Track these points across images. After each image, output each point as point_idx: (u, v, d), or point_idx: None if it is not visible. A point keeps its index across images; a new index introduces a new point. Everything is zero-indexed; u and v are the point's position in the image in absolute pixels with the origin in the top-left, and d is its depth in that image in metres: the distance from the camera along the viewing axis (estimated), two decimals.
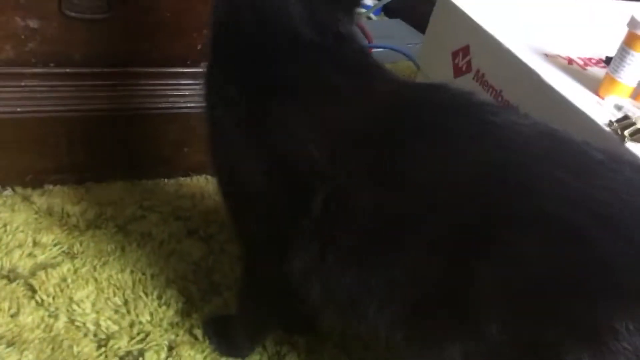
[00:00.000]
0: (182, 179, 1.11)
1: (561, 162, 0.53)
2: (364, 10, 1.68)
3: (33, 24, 0.90)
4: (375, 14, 1.83)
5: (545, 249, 0.50)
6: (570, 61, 0.92)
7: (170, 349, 0.81)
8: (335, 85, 0.62)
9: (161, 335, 0.82)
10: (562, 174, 0.51)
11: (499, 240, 0.51)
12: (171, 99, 1.04)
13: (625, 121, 0.74)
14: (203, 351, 0.81)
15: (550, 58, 0.91)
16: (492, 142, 0.55)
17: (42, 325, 0.80)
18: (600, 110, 0.79)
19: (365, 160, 0.58)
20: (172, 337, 0.82)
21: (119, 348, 0.79)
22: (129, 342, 0.80)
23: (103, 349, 0.79)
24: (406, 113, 0.59)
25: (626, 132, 0.73)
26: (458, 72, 1.00)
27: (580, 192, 0.50)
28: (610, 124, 0.75)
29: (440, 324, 0.55)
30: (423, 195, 0.55)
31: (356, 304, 0.60)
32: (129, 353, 0.79)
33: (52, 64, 0.94)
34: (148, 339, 0.81)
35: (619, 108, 0.78)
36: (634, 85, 0.80)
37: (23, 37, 0.90)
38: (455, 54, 1.01)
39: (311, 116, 0.61)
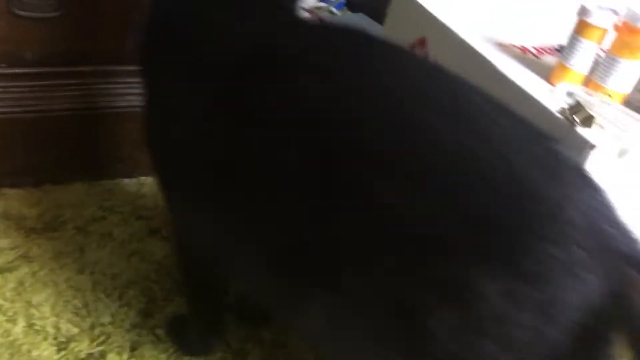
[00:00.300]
0: (143, 178, 1.10)
1: (438, 103, 0.51)
2: (325, 5, 1.68)
3: None
4: (338, 7, 1.83)
5: (404, 199, 0.47)
6: (525, 50, 0.93)
7: (133, 349, 0.80)
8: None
9: (123, 336, 0.81)
10: (434, 116, 0.49)
11: (357, 186, 0.48)
12: (128, 97, 1.02)
13: (575, 107, 0.75)
14: (166, 351, 0.80)
15: (504, 48, 0.92)
16: (369, 79, 0.54)
17: (0, 330, 0.79)
18: (552, 97, 0.80)
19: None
20: (135, 337, 0.82)
21: (80, 350, 0.78)
22: (90, 344, 0.80)
23: (63, 352, 0.78)
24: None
25: (577, 118, 0.74)
26: None
27: (449, 138, 0.48)
28: (562, 110, 0.76)
29: (303, 275, 0.52)
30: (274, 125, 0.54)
31: (230, 254, 0.59)
32: (90, 355, 0.78)
33: (3, 65, 0.92)
34: (110, 341, 0.80)
35: (570, 95, 0.79)
36: (585, 72, 0.82)
37: None
38: (412, 46, 1.01)
39: None
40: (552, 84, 0.84)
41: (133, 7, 0.96)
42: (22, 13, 0.88)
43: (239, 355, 0.82)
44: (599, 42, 0.80)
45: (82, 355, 0.78)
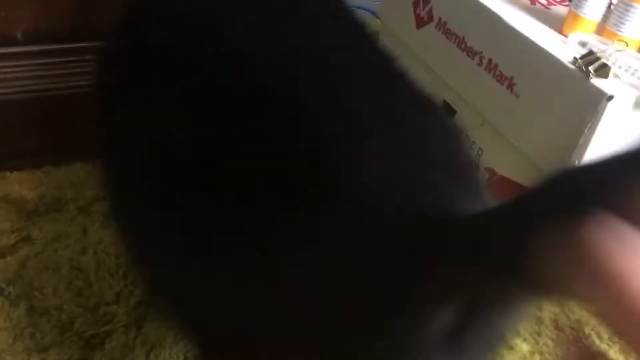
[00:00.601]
0: None
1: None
2: None
3: None
4: None
5: None
6: (534, 1, 0.89)
7: (139, 328, 0.78)
8: None
9: (129, 315, 0.80)
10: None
11: None
12: None
13: (589, 57, 0.71)
14: (173, 328, 0.78)
15: (512, 0, 0.87)
16: None
17: (3, 315, 0.77)
18: (565, 48, 0.76)
19: None
20: (140, 316, 0.80)
21: (84, 331, 0.77)
22: (94, 324, 0.78)
23: (68, 334, 0.76)
24: None
25: (591, 68, 0.70)
26: (420, 22, 0.96)
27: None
28: (575, 61, 0.72)
29: None
30: None
31: None
32: (95, 335, 0.77)
33: None
34: (115, 320, 0.79)
35: (583, 44, 0.75)
36: (598, 19, 0.77)
37: None
38: (416, 4, 0.97)
39: None
40: (564, 34, 0.80)
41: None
42: None
43: None
44: None
45: (87, 335, 0.76)
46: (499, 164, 0.86)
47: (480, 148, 0.89)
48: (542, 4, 0.88)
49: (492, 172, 0.87)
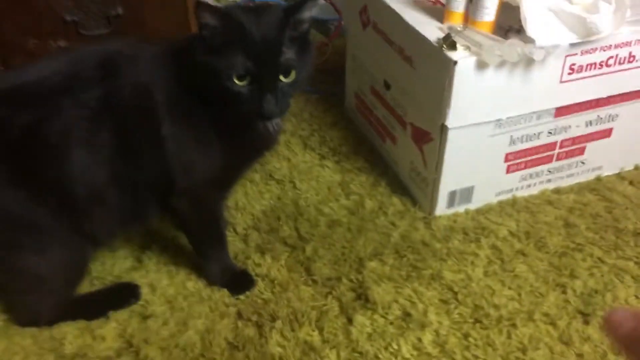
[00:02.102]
0: None
1: None
2: None
3: (62, 44, 1.32)
4: None
5: None
6: (436, 2, 1.24)
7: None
8: None
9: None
10: None
11: None
12: None
13: (445, 37, 1.07)
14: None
15: (418, 3, 1.23)
16: None
17: None
18: (437, 33, 1.11)
19: None
20: None
21: None
22: None
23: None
24: None
25: (445, 45, 1.05)
26: (364, 25, 1.34)
27: None
28: (437, 40, 1.07)
29: None
30: None
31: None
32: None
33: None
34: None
35: (450, 29, 1.10)
36: (462, 11, 1.12)
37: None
38: (361, 12, 1.35)
39: None
40: (442, 24, 1.16)
41: (174, 28, 1.36)
42: (86, 32, 1.31)
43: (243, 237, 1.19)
44: None
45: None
46: (414, 118, 1.22)
47: (405, 109, 1.25)
48: (442, 3, 1.24)
49: (412, 126, 1.23)
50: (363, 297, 1.07)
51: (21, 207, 0.86)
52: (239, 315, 1.04)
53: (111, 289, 1.07)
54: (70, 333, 0.99)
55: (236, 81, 0.85)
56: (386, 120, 1.35)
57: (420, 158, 1.23)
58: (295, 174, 1.36)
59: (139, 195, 0.96)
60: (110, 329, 1.00)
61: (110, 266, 1.12)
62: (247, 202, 1.28)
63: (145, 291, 1.07)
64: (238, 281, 1.08)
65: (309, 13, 0.88)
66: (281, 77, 0.87)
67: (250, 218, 1.24)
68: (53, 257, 0.93)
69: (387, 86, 1.31)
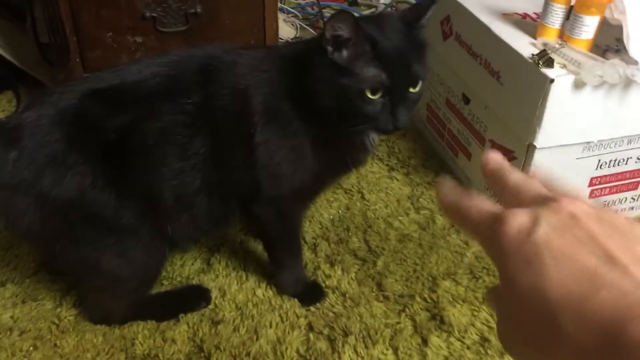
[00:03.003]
0: None
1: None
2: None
3: (139, 39, 1.32)
4: None
5: None
6: (525, 16, 1.20)
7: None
8: None
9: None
10: None
11: None
12: None
13: (541, 54, 1.02)
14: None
15: (507, 16, 1.19)
16: None
17: None
18: (530, 48, 1.07)
19: None
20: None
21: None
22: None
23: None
24: None
25: (540, 61, 1.01)
26: (445, 36, 1.31)
27: None
28: (532, 57, 1.03)
29: None
30: None
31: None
32: None
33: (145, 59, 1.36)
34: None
35: (545, 45, 1.06)
36: (558, 27, 1.07)
37: (133, 49, 1.32)
38: (442, 23, 1.32)
39: None
40: (535, 39, 1.11)
41: (250, 28, 1.35)
42: (163, 29, 1.31)
43: (311, 247, 1.17)
44: (567, 4, 1.06)
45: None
46: (495, 135, 1.18)
47: (485, 125, 1.21)
48: (532, 18, 1.19)
49: (492, 143, 1.19)
50: (438, 318, 1.03)
51: (109, 208, 0.85)
52: (310, 327, 1.01)
53: (182, 291, 1.05)
54: (140, 333, 0.98)
55: (369, 96, 0.81)
56: (461, 135, 1.31)
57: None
58: (364, 184, 1.33)
59: (225, 203, 0.94)
60: (181, 331, 0.98)
61: (180, 267, 1.10)
62: (316, 210, 1.25)
63: (214, 295, 1.05)
64: (309, 292, 1.05)
65: (428, 18, 0.86)
66: (410, 89, 0.84)
67: (319, 227, 1.21)
68: (133, 258, 0.91)
69: (466, 100, 1.27)
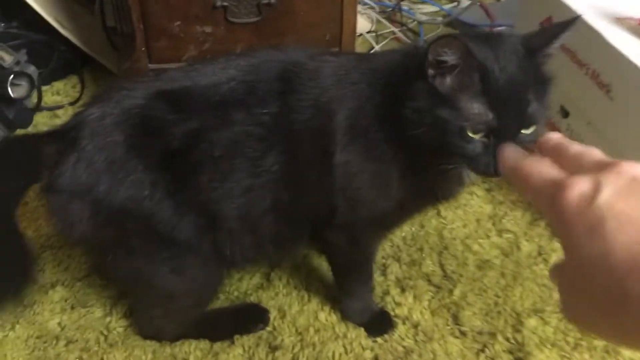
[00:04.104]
0: None
1: None
2: None
3: (207, 29, 1.23)
4: None
5: None
6: None
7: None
8: None
9: None
10: None
11: None
12: None
13: None
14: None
15: (620, 21, 1.04)
16: None
17: None
18: None
19: None
20: None
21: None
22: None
23: None
24: None
25: None
26: None
27: None
28: None
29: None
30: None
31: None
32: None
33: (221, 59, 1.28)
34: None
35: None
36: None
37: (201, 39, 1.24)
38: (542, 24, 1.17)
39: None
40: None
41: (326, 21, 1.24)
42: (234, 20, 1.22)
43: (380, 268, 1.06)
44: None
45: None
46: None
47: (586, 143, 1.06)
48: None
49: None
50: None
51: (166, 220, 0.77)
52: None
53: (239, 310, 0.97)
54: (192, 354, 0.90)
55: (470, 134, 0.68)
56: None
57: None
58: None
59: (295, 226, 0.84)
60: (236, 355, 0.90)
61: (237, 281, 1.02)
62: None
63: (273, 315, 0.96)
64: (377, 321, 0.95)
65: (557, 46, 0.71)
66: (522, 130, 0.69)
67: (390, 245, 1.10)
68: (188, 276, 0.83)
69: (565, 113, 1.13)
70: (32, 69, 1.29)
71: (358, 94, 0.77)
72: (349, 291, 0.94)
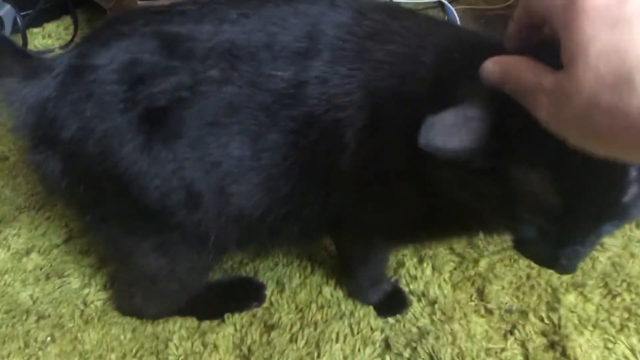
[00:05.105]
0: None
1: None
2: None
3: None
4: None
5: None
6: None
7: None
8: None
9: None
10: None
11: None
12: None
13: None
14: None
15: None
16: None
17: None
18: None
19: None
20: None
21: None
22: None
23: None
24: None
25: None
26: None
27: None
28: None
29: None
30: None
31: None
32: None
33: None
34: None
35: None
36: None
37: None
38: None
39: None
40: None
41: None
42: None
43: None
44: None
45: None
46: None
47: None
48: None
49: None
50: (559, 349, 0.78)
51: (149, 187, 0.63)
52: (387, 345, 0.79)
53: (231, 285, 0.85)
54: (177, 333, 0.79)
55: (524, 215, 0.48)
56: None
57: None
58: None
59: (293, 218, 0.68)
60: (226, 335, 0.79)
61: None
62: None
63: (271, 289, 0.84)
64: (388, 299, 0.82)
65: None
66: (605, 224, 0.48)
67: None
68: (171, 258, 0.71)
69: None
70: (5, 9, 1.15)
71: (393, 74, 0.59)
72: (355, 276, 0.82)
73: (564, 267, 0.49)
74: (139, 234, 0.70)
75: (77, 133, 0.63)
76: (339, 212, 0.67)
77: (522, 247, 0.52)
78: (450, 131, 0.44)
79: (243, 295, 0.83)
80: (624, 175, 0.43)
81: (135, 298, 0.78)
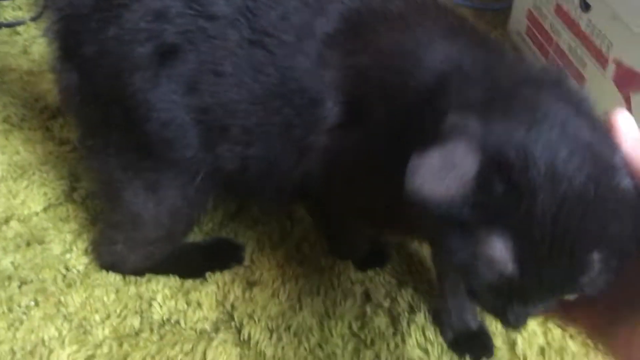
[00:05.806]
0: None
1: None
2: None
3: None
4: None
5: None
6: None
7: None
8: None
9: None
10: None
11: None
12: None
13: None
14: None
15: None
16: None
17: None
18: None
19: None
20: None
21: None
22: None
23: None
24: None
25: None
26: None
27: None
28: None
29: None
30: None
31: None
32: None
33: None
34: None
35: None
36: None
37: None
38: None
39: None
40: None
41: None
42: None
43: None
44: None
45: None
46: (622, 54, 0.89)
47: (610, 40, 0.91)
48: None
49: (617, 64, 0.90)
50: None
51: (156, 117, 0.65)
52: (367, 296, 0.81)
53: (210, 246, 0.86)
54: (160, 292, 0.80)
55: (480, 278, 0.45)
56: (573, 53, 1.02)
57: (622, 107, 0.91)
58: None
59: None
60: (209, 293, 0.80)
61: (212, 210, 0.91)
62: None
63: (250, 248, 0.86)
64: (369, 255, 0.84)
65: None
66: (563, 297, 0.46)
67: None
68: (160, 198, 0.72)
69: (586, 6, 0.97)
70: None
71: (396, 74, 0.58)
72: (334, 237, 0.84)
73: (511, 323, 0.47)
74: (133, 170, 0.72)
75: (96, 51, 0.66)
76: (308, 182, 0.67)
77: (473, 294, 0.49)
78: (437, 177, 0.41)
79: (222, 256, 0.84)
80: (586, 258, 0.42)
81: (117, 245, 0.79)
